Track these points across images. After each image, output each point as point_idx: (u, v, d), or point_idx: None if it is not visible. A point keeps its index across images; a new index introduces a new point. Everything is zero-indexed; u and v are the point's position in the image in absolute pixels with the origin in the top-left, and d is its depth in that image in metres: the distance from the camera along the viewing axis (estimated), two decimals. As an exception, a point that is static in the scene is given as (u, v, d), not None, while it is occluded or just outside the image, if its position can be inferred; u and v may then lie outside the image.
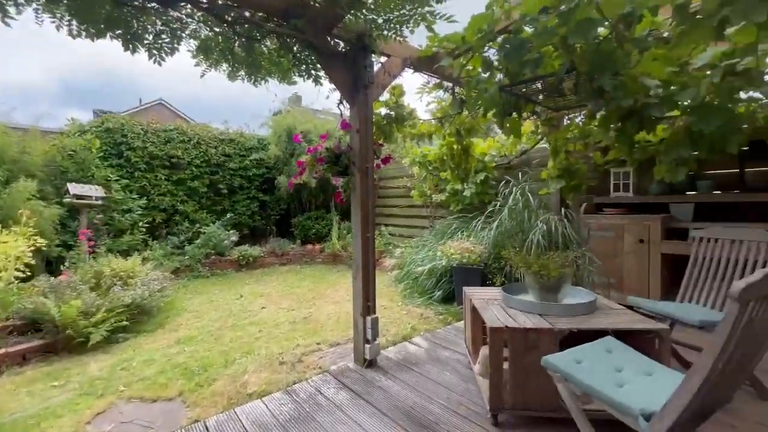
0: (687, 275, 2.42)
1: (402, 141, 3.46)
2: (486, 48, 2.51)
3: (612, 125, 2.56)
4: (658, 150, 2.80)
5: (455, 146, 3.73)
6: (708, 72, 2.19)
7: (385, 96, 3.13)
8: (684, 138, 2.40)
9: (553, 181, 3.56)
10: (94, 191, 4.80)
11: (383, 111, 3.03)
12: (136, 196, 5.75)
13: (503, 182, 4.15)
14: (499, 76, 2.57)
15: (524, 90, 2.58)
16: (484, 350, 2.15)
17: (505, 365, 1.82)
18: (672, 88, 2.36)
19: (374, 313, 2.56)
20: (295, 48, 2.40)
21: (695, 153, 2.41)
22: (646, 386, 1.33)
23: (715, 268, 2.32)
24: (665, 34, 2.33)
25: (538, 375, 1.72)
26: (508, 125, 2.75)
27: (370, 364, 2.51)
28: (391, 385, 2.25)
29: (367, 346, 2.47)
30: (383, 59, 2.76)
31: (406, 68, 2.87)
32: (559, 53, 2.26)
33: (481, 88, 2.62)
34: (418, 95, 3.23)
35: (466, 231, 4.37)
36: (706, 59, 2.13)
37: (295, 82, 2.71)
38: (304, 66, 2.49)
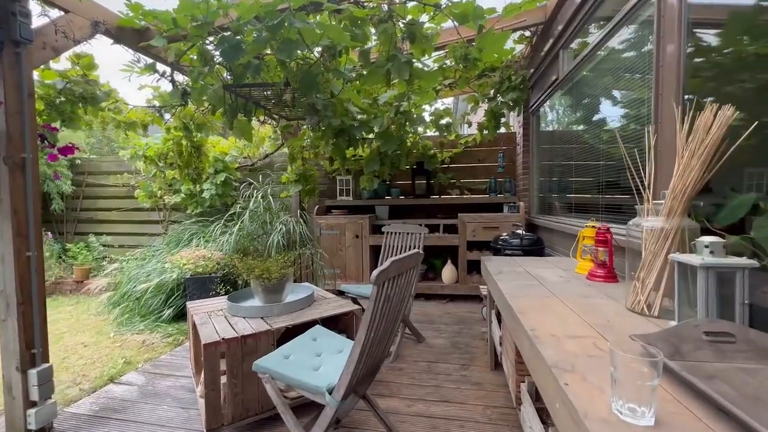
0: (380, 260, 3.16)
1: (101, 127, 2.68)
2: (209, 41, 2.33)
3: (330, 140, 2.97)
4: (363, 164, 3.56)
5: (184, 142, 3.30)
6: (387, 108, 2.91)
7: (66, 65, 2.34)
8: (376, 156, 3.15)
9: (292, 185, 3.80)
10: None
11: (60, 84, 2.24)
12: None
13: (245, 184, 4.06)
14: (227, 74, 2.45)
15: (255, 94, 2.58)
16: (207, 368, 1.98)
17: (225, 379, 1.73)
18: (372, 116, 2.98)
19: (46, 361, 1.85)
20: None
21: (384, 167, 3.23)
22: (337, 363, 1.58)
23: (395, 253, 3.14)
24: (364, 72, 2.93)
25: (258, 379, 1.75)
26: (237, 126, 2.68)
27: (40, 434, 1.80)
28: (74, 453, 1.69)
29: (32, 411, 1.75)
30: (56, 13, 2.04)
31: (99, 34, 2.25)
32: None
33: (206, 83, 2.41)
34: (125, 74, 2.60)
35: (205, 236, 3.97)
36: (386, 98, 2.82)
37: None
38: None
